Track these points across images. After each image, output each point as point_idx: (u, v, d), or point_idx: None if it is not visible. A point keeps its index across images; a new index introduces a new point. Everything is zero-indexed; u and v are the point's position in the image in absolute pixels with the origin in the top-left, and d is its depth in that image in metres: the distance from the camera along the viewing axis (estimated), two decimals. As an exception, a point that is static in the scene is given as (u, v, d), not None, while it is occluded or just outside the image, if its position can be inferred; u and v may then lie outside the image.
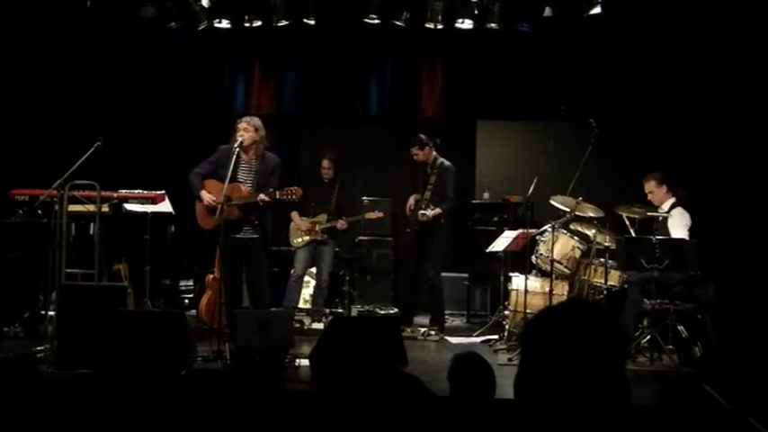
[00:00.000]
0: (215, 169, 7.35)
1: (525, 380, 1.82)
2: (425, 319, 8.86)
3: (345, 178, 9.17)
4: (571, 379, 1.75)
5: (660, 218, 7.70)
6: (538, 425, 1.76)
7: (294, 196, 7.25)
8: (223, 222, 6.96)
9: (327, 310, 9.10)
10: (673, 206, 7.76)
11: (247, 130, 7.31)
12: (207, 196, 7.31)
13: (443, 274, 8.89)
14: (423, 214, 8.44)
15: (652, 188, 7.86)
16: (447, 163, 8.65)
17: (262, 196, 7.17)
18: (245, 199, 7.24)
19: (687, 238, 7.51)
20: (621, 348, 1.86)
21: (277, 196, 7.18)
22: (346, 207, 9.06)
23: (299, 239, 8.90)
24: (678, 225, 7.63)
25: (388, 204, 9.75)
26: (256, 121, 7.46)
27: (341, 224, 8.84)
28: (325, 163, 8.95)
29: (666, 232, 7.58)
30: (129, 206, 8.21)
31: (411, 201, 8.73)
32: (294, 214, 8.86)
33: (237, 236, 7.36)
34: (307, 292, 9.19)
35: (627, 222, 8.00)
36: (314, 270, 9.03)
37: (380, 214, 9.10)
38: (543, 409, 1.77)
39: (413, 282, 8.86)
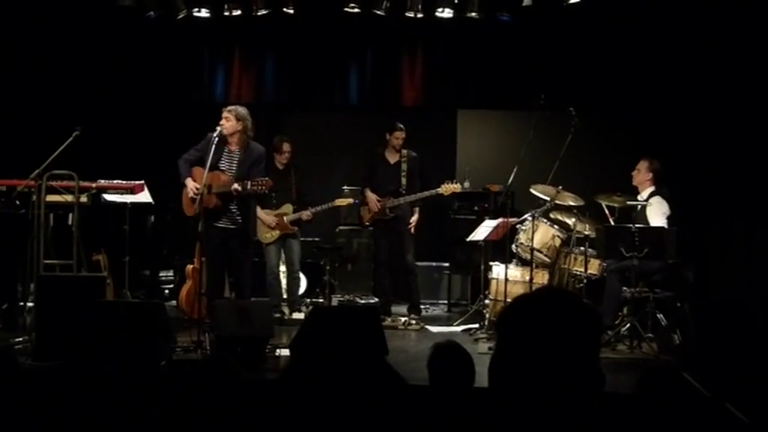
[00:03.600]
0: (201, 156, 7.26)
1: (500, 367, 1.82)
2: (402, 308, 8.83)
3: (298, 163, 8.94)
4: (545, 366, 1.75)
5: (639, 206, 7.74)
6: (512, 412, 1.77)
7: (263, 187, 7.12)
8: (203, 211, 6.93)
9: (308, 300, 9.07)
10: (651, 195, 7.79)
11: (228, 119, 7.24)
12: (191, 184, 7.23)
13: (424, 263, 8.86)
14: (412, 216, 8.61)
15: (642, 168, 7.85)
16: (412, 152, 8.69)
17: (235, 186, 7.09)
18: (223, 188, 7.18)
19: (666, 226, 7.55)
20: (596, 336, 1.87)
21: (248, 187, 7.07)
22: (305, 193, 8.85)
23: (269, 235, 8.67)
24: (656, 213, 7.66)
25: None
26: (241, 110, 7.35)
27: (306, 215, 8.65)
28: (287, 147, 8.71)
29: (645, 221, 7.62)
30: (108, 196, 8.15)
31: (372, 202, 8.60)
32: (257, 209, 8.71)
33: (217, 224, 7.29)
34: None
35: (606, 211, 8.02)
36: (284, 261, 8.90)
37: (351, 200, 8.95)
38: (518, 396, 1.77)
39: (391, 270, 8.83)
